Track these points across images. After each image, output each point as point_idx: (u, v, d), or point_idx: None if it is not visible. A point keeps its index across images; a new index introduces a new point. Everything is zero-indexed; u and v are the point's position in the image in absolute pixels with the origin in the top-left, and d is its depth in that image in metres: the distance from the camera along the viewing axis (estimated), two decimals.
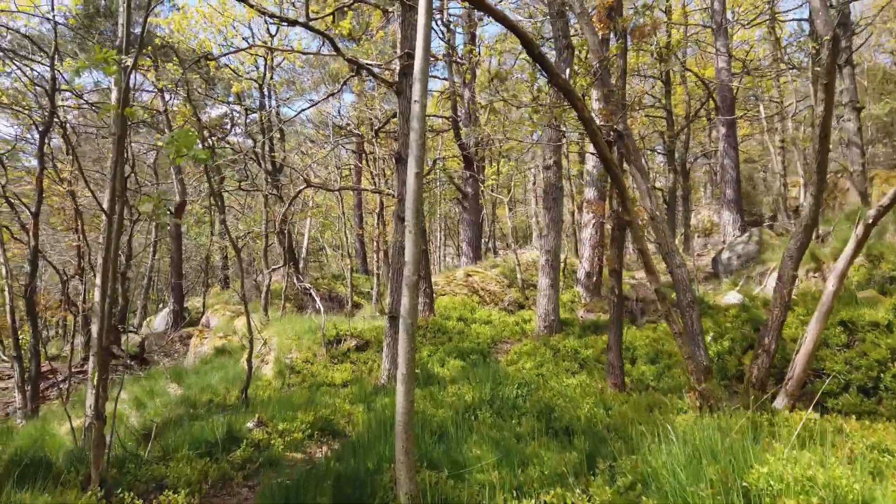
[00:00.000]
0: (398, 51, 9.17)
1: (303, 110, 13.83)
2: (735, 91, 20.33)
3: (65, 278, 16.65)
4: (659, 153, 27.77)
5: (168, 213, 20.82)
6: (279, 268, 14.52)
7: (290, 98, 28.32)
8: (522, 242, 36.62)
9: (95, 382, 4.75)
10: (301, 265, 32.29)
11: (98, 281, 7.55)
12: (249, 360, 8.76)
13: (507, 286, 16.88)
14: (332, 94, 12.68)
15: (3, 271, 12.12)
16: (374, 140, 14.56)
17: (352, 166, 30.39)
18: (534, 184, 26.66)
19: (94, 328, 6.51)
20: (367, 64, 10.97)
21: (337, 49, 10.27)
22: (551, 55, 12.46)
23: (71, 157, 16.28)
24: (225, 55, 12.00)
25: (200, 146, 25.09)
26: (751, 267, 15.12)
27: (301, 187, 11.79)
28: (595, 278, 15.34)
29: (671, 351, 8.83)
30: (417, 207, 4.49)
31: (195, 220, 23.10)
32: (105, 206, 5.02)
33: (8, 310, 12.10)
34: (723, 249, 16.57)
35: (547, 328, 10.21)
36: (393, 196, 12.23)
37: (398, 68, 10.02)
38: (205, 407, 10.07)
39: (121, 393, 12.48)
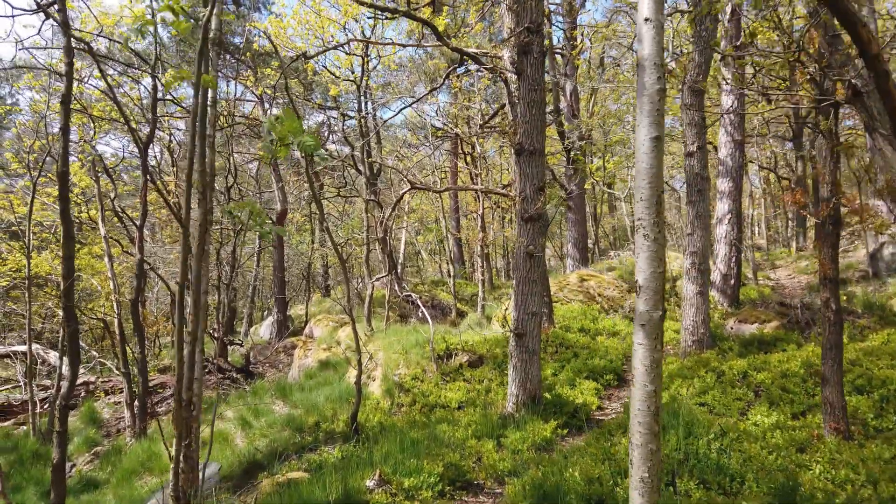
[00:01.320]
0: (513, 26, 7.99)
1: (402, 109, 12.90)
2: None
3: (174, 290, 16.68)
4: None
5: (269, 221, 20.66)
6: (383, 276, 13.74)
7: (386, 101, 27.89)
8: (622, 244, 34.44)
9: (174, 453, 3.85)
10: (400, 271, 31.91)
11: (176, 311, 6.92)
12: (358, 385, 7.86)
13: (626, 291, 15.29)
14: (434, 90, 11.70)
15: (112, 285, 11.98)
16: (478, 134, 13.47)
17: (447, 168, 29.60)
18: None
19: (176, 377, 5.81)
20: (473, 53, 9.89)
21: (440, 37, 9.26)
22: None
23: (175, 170, 16.31)
24: (324, 51, 11.32)
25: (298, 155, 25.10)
26: None
27: (405, 190, 10.85)
28: (733, 281, 13.49)
29: (883, 376, 6.97)
30: (656, 196, 3.01)
31: (296, 229, 22.98)
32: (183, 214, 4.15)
33: (116, 323, 11.94)
34: (884, 244, 14.19)
35: (696, 343, 8.68)
36: (505, 196, 11.09)
37: (510, 52, 8.86)
38: (311, 432, 9.31)
39: (218, 413, 12.16)
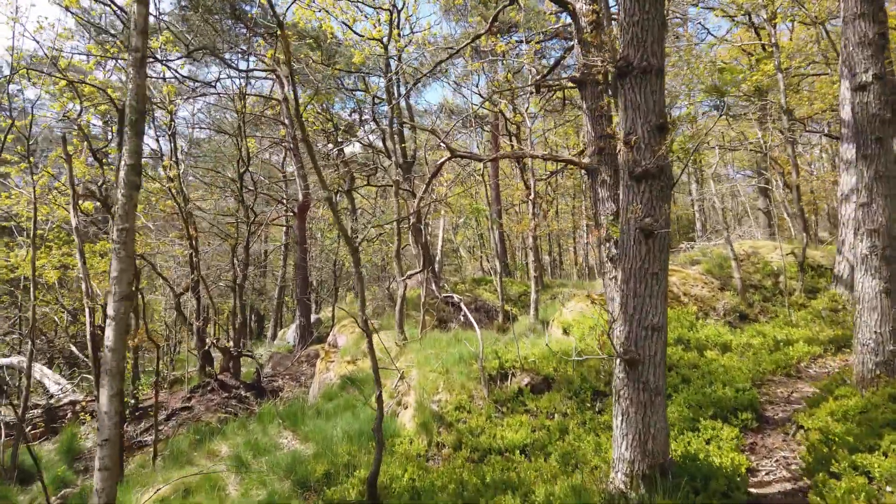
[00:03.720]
0: None
1: (440, 63, 10.08)
2: None
3: (178, 293, 14.41)
4: None
5: (291, 213, 18.35)
6: (416, 272, 11.10)
7: (420, 82, 25.21)
8: (683, 237, 31.06)
9: None
10: (437, 269, 29.30)
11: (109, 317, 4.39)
12: (379, 434, 5.25)
13: (718, 289, 12.33)
14: (478, 37, 9.07)
15: (84, 287, 9.67)
16: (534, 94, 10.71)
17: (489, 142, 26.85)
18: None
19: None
20: None
21: None
22: None
23: (174, 159, 14.01)
24: None
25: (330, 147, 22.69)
26: None
27: (443, 158, 8.23)
28: None
29: None
30: None
31: (328, 225, 20.59)
32: None
33: (88, 334, 9.62)
34: None
35: (883, 366, 5.78)
36: (576, 164, 8.31)
37: None
38: (318, 488, 6.73)
39: (209, 448, 9.69)
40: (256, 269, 23.65)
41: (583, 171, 9.47)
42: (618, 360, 4.63)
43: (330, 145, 21.85)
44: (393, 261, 14.19)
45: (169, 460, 9.46)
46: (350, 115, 25.28)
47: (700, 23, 26.75)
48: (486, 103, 20.62)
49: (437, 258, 29.20)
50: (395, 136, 14.37)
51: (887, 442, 4.58)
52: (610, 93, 7.80)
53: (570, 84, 9.39)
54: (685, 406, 6.47)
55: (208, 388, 12.23)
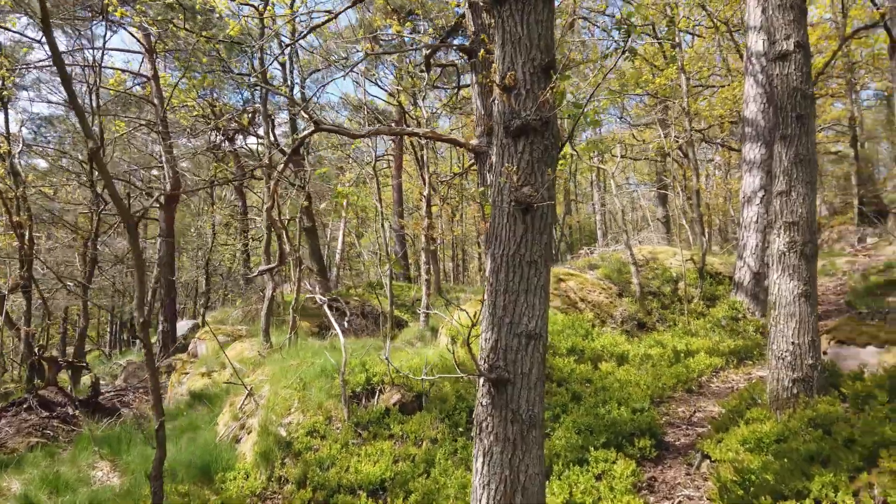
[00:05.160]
0: None
1: (314, 27, 8.57)
2: None
3: (2, 293, 12.04)
4: None
5: (157, 206, 16.20)
6: (267, 269, 9.47)
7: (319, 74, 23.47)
8: (588, 242, 31.00)
9: None
10: (335, 273, 27.55)
11: None
12: (156, 487, 3.73)
13: (616, 295, 11.56)
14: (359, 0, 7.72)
15: None
16: (426, 71, 9.41)
17: (390, 157, 25.61)
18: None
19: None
20: None
21: None
22: None
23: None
24: None
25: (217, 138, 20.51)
26: None
27: (307, 132, 6.80)
28: (767, 282, 9.89)
29: None
30: None
31: (196, 216, 18.48)
32: None
33: None
34: None
35: (800, 384, 4.85)
36: (458, 144, 7.11)
37: None
38: None
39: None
40: (125, 267, 21.07)
41: (471, 156, 8.31)
42: (481, 380, 3.37)
43: (220, 136, 19.79)
44: (288, 261, 12.51)
45: None
46: (243, 105, 23.18)
47: (605, 30, 26.74)
48: (389, 97, 19.37)
49: (337, 262, 27.52)
50: (270, 119, 12.69)
51: (818, 485, 3.59)
52: None
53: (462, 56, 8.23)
54: (574, 431, 5.34)
55: (24, 405, 10.07)
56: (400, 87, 17.30)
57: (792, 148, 5.06)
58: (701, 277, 11.53)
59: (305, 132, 6.94)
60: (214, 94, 20.29)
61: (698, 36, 17.93)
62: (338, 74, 18.48)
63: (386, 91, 20.74)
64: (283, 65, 18.97)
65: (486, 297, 3.45)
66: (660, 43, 19.76)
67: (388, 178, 27.69)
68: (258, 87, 15.35)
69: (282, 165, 6.95)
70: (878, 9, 13.62)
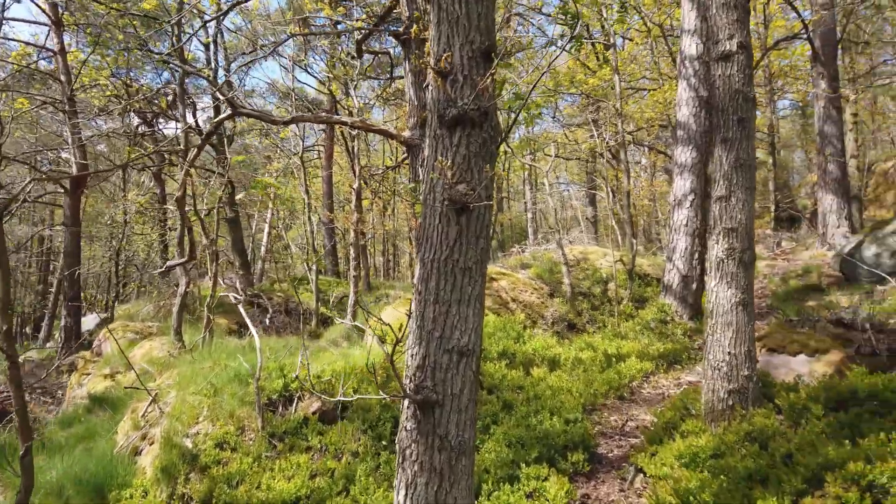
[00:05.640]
0: None
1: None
2: (846, 23, 15.20)
3: None
4: None
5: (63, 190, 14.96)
6: (176, 264, 8.74)
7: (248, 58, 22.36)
8: (519, 239, 31.13)
9: None
10: (260, 266, 26.48)
11: None
12: None
13: (547, 295, 11.44)
14: None
15: None
16: (357, 58, 8.88)
17: (321, 147, 24.77)
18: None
19: None
20: None
21: None
22: None
23: None
24: None
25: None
26: None
27: (224, 115, 6.19)
28: (695, 285, 10.02)
29: None
30: None
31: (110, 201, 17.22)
32: None
33: None
34: (862, 243, 11.36)
35: (736, 395, 4.71)
36: (388, 135, 6.69)
37: None
38: None
39: None
40: (27, 256, 19.47)
41: (403, 149, 7.89)
42: (405, 402, 2.98)
43: (137, 119, 18.45)
44: (200, 256, 11.65)
45: None
46: (163, 86, 21.75)
47: (540, 27, 26.82)
48: (320, 85, 18.62)
49: (262, 255, 26.45)
50: (191, 103, 11.83)
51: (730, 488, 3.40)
52: None
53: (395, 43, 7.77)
54: (504, 444, 5.05)
55: None
56: (331, 76, 16.63)
57: (733, 152, 4.93)
58: (630, 279, 11.56)
59: (222, 115, 6.33)
60: (132, 74, 18.96)
61: (630, 40, 18.17)
62: (263, 56, 17.50)
63: (317, 79, 19.97)
64: (206, 46, 17.94)
65: (413, 307, 3.06)
66: (593, 45, 19.94)
67: (318, 168, 26.85)
68: (178, 69, 14.36)
69: (195, 151, 6.31)
70: (805, 30, 14.12)
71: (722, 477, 3.90)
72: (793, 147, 28.78)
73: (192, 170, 9.61)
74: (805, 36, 14.04)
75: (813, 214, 18.29)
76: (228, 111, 6.44)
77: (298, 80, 22.06)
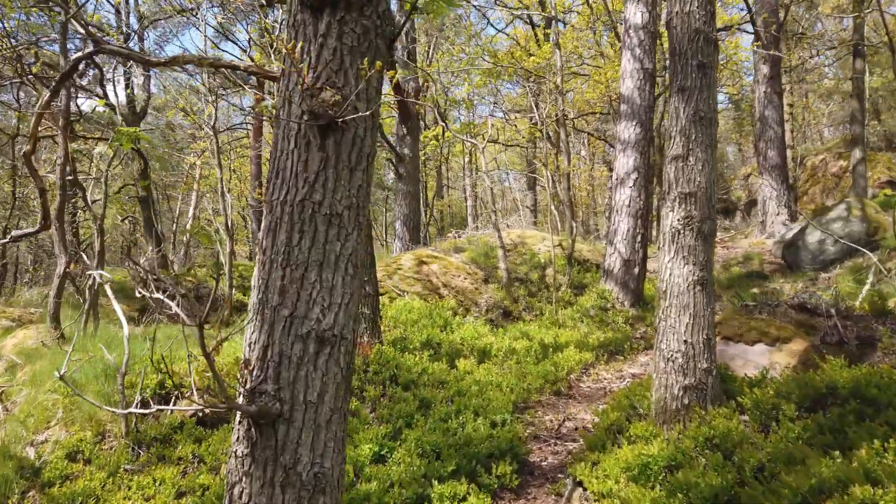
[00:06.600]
0: None
1: None
2: (785, 13, 14.94)
3: None
4: None
5: None
6: (23, 235, 7.34)
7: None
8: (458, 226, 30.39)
9: None
10: (183, 250, 24.79)
11: None
12: None
13: (482, 281, 10.61)
14: None
15: None
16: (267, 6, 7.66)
17: (251, 123, 23.24)
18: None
19: None
20: None
21: None
22: None
23: None
24: None
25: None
26: (859, 256, 9.65)
27: (85, 51, 5.02)
28: (637, 269, 9.37)
29: None
30: None
31: None
32: None
33: None
34: (804, 230, 11.02)
35: (692, 392, 3.94)
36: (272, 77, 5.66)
37: None
38: None
39: None
40: None
41: None
42: (237, 416, 2.01)
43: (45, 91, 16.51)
44: (50, 226, 10.19)
45: None
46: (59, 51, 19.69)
47: (483, 13, 26.02)
48: (242, 53, 17.20)
49: (186, 238, 24.73)
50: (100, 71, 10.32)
51: None
52: None
53: None
54: (417, 454, 4.12)
55: None
56: (255, 41, 15.30)
57: (691, 103, 4.15)
58: (569, 264, 10.86)
59: (83, 52, 5.15)
60: (34, 38, 16.96)
61: (575, 11, 17.54)
62: (179, 21, 15.97)
63: (240, 47, 18.48)
64: (117, 8, 16.22)
65: (255, 272, 2.07)
66: (534, 27, 19.26)
67: (246, 149, 25.31)
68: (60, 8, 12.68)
69: (48, 95, 5.11)
70: (749, 13, 13.78)
71: (680, 496, 3.10)
72: (727, 140, 29.12)
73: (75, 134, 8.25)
74: (748, 17, 13.69)
75: (747, 205, 18.19)
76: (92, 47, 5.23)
77: (225, 51, 20.55)
